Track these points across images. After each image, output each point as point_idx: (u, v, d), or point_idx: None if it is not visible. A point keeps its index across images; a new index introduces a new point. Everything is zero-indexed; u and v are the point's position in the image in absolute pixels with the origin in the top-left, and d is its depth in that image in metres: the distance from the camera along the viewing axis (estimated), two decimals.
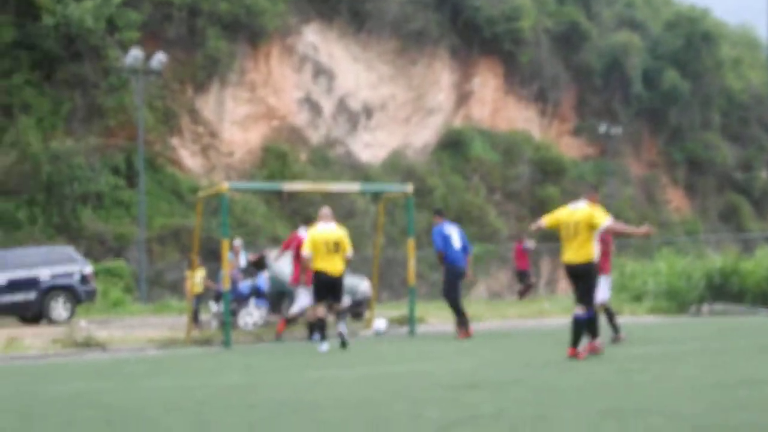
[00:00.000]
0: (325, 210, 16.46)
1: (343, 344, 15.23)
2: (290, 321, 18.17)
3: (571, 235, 12.36)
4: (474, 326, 21.10)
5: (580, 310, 12.21)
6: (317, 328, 15.63)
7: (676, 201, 64.70)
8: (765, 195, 66.54)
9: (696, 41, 62.51)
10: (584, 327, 12.24)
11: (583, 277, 12.38)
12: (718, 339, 15.30)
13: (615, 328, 14.78)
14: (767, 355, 12.22)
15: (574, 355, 12.01)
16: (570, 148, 59.85)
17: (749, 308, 23.79)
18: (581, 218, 12.35)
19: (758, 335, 15.77)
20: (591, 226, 12.28)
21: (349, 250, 15.88)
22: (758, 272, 24.96)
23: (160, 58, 35.47)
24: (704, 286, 24.61)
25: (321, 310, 15.54)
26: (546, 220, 12.98)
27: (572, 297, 13.35)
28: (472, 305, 28.18)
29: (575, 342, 12.14)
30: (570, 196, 57.03)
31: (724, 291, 24.50)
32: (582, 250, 12.28)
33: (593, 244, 12.31)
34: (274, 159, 44.39)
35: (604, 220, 12.37)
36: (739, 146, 67.49)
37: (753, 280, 24.84)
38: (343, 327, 15.43)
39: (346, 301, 17.50)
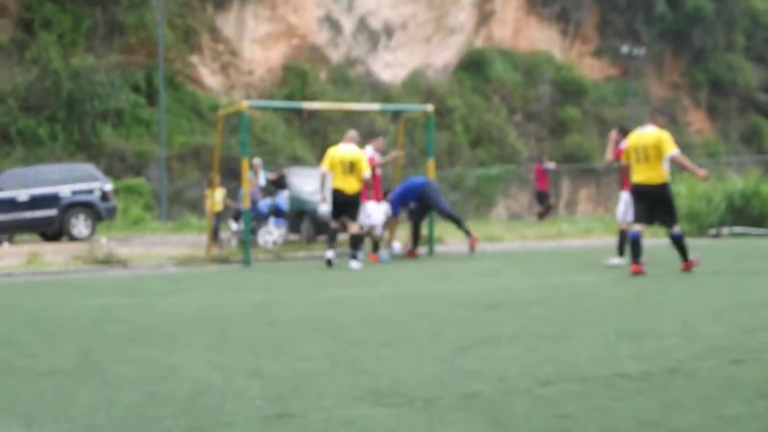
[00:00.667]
0: (352, 133, 16.70)
1: (329, 263, 15.77)
2: (375, 244, 17.99)
3: (642, 158, 12.77)
4: (493, 246, 21.19)
5: (676, 229, 12.82)
6: (355, 243, 16.11)
7: (697, 123, 64.23)
8: None
9: None
10: (681, 244, 12.85)
11: (657, 198, 12.83)
12: (738, 262, 15.29)
13: (621, 251, 14.74)
14: None
15: (638, 272, 12.65)
16: (591, 69, 59.35)
17: None
18: (651, 141, 12.72)
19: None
20: (660, 151, 12.66)
21: (366, 171, 15.93)
22: None
23: None
24: (725, 208, 24.48)
25: (334, 223, 16.21)
26: (622, 155, 13.60)
27: (624, 217, 14.44)
28: (491, 226, 28.22)
29: (636, 258, 12.71)
30: (591, 117, 56.66)
31: (745, 214, 24.37)
32: (653, 172, 12.72)
33: (664, 165, 12.74)
34: (294, 78, 44.22)
35: (672, 149, 12.68)
36: (763, 68, 66.72)
37: None
38: (357, 255, 15.90)
39: (377, 229, 17.55)
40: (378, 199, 17.57)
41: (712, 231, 23.69)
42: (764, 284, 11.58)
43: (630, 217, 13.76)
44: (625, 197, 14.48)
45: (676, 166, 13.09)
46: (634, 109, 55.56)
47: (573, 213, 47.44)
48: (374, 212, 17.19)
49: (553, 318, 8.75)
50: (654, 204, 12.86)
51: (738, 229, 23.84)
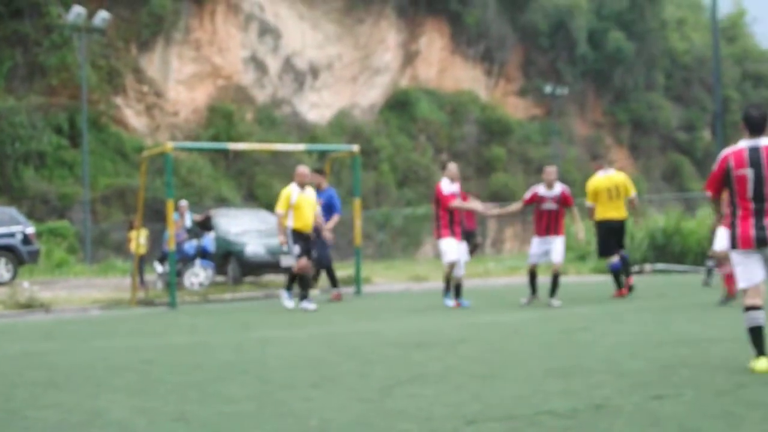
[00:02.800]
0: (302, 169, 15.80)
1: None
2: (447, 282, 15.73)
3: (614, 196, 15.19)
4: (420, 285, 21.23)
5: (616, 258, 15.24)
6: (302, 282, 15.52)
7: (620, 161, 65.17)
8: (707, 155, 67.17)
9: (640, 2, 62.85)
10: (619, 273, 15.34)
11: (620, 231, 15.42)
12: (660, 298, 15.50)
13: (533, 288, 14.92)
14: (708, 313, 12.40)
15: (623, 295, 15.05)
16: (516, 109, 60.07)
17: (691, 268, 24.09)
18: (620, 182, 15.26)
19: (699, 294, 15.98)
20: (626, 191, 15.28)
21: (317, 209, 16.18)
22: (700, 232, 25.22)
23: (103, 16, 35.01)
24: (647, 246, 24.88)
25: (308, 264, 15.64)
26: (589, 198, 15.52)
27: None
28: (418, 265, 28.30)
29: (620, 283, 15.38)
30: (516, 156, 57.19)
31: (667, 251, 24.79)
32: (622, 209, 15.31)
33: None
34: (220, 118, 44.09)
35: (633, 190, 15.41)
36: (682, 107, 68.15)
37: (694, 240, 25.12)
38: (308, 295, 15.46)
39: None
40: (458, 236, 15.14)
41: (635, 268, 24.01)
42: (686, 320, 11.74)
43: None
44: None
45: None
46: (558, 148, 56.28)
47: (499, 251, 47.79)
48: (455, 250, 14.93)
49: (480, 356, 8.79)
50: (618, 236, 15.33)
51: (660, 265, 24.20)
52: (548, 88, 55.07)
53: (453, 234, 14.85)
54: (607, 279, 22.76)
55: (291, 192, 15.41)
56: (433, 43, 56.13)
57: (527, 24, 59.55)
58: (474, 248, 31.79)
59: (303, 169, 15.75)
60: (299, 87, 49.47)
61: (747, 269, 7.55)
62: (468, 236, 29.93)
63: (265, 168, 43.07)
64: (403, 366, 8.29)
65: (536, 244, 14.74)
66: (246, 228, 22.68)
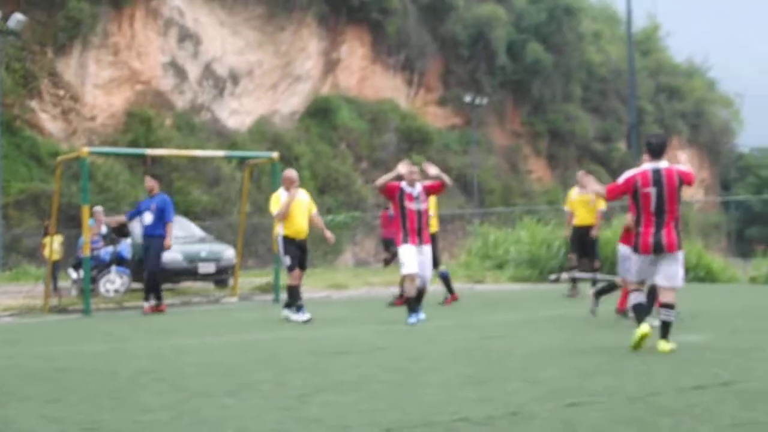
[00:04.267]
0: (290, 173, 14.56)
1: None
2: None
3: (588, 204, 17.18)
4: (339, 293, 21.21)
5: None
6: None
7: (538, 171, 65.99)
8: (623, 166, 68.00)
9: (558, 15, 63.70)
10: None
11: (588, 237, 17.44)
12: (577, 306, 15.68)
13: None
14: (623, 322, 12.56)
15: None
16: (436, 118, 60.40)
17: (607, 276, 24.36)
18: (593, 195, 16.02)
19: (613, 303, 16.18)
20: (597, 204, 17.04)
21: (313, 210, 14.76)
22: (615, 241, 25.52)
23: (18, 18, 34.39)
24: (564, 254, 25.14)
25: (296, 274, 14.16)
26: (569, 211, 17.94)
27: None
28: (338, 273, 28.27)
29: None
30: (436, 165, 57.45)
31: (582, 260, 25.03)
32: (591, 218, 17.41)
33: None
34: (138, 124, 43.58)
35: (604, 204, 17.29)
36: (598, 118, 69.18)
37: (610, 249, 25.42)
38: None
39: (209, 268, 17.18)
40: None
41: (552, 276, 24.24)
42: (601, 329, 11.88)
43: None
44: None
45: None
46: (477, 157, 56.70)
47: None
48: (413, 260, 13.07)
49: (397, 364, 8.79)
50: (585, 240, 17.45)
51: (577, 274, 24.45)
52: (468, 98, 55.46)
53: (410, 239, 12.90)
54: (524, 288, 23.03)
55: (279, 196, 14.28)
56: (354, 51, 56.20)
57: (447, 34, 59.94)
58: (393, 256, 32.02)
59: (290, 173, 14.53)
60: (219, 93, 49.14)
61: (642, 269, 9.42)
62: (386, 244, 29.93)
63: (184, 174, 42.67)
64: (321, 374, 8.27)
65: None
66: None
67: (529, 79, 62.70)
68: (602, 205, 17.37)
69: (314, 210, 14.74)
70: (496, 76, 61.50)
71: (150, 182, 17.31)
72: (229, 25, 49.39)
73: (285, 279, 15.01)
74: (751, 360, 8.80)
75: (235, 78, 49.92)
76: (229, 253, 22.66)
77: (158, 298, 16.83)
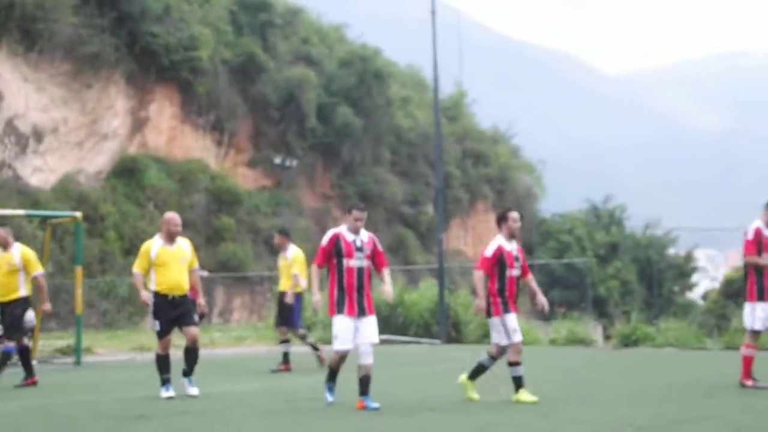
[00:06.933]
0: (170, 215, 12.45)
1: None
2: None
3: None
4: (143, 356, 20.74)
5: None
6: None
7: None
8: (430, 229, 69.57)
9: (368, 79, 64.77)
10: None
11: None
12: (386, 368, 15.80)
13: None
14: (437, 381, 12.74)
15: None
16: (246, 179, 60.25)
17: (413, 338, 24.73)
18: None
19: (423, 363, 16.44)
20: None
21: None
22: (422, 303, 25.99)
23: None
24: None
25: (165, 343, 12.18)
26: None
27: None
28: (143, 335, 27.64)
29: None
30: (245, 226, 57.03)
31: (390, 321, 25.28)
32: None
33: None
34: None
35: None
36: (407, 182, 70.45)
37: (417, 311, 25.84)
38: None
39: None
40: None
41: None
42: (410, 388, 12.00)
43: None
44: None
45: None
46: (287, 218, 56.78)
47: (228, 321, 47.46)
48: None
49: (199, 429, 8.65)
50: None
51: (384, 336, 24.69)
52: (278, 160, 55.61)
53: (346, 307, 10.43)
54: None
55: (150, 246, 11.98)
56: (163, 110, 55.61)
57: (258, 95, 60.08)
58: (200, 317, 31.64)
59: (171, 216, 12.27)
60: (21, 150, 47.66)
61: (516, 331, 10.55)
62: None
63: None
64: None
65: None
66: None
67: (339, 141, 63.38)
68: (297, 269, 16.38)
69: (196, 265, 12.55)
70: (307, 138, 61.92)
71: None
72: (33, 81, 48.10)
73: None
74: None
75: (38, 135, 48.56)
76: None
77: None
